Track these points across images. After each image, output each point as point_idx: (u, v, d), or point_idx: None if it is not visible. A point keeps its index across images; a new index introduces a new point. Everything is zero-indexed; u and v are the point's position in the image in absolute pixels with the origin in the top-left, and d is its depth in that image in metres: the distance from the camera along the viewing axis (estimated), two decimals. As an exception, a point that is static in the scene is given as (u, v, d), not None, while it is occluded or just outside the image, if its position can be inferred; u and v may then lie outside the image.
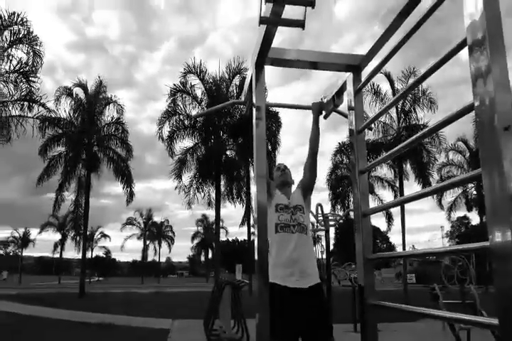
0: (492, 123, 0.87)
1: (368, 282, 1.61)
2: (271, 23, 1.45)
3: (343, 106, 2.19)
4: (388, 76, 20.05)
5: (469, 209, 27.20)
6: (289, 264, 2.91)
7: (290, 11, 1.41)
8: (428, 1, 1.22)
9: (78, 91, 21.32)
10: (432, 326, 8.22)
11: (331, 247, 7.33)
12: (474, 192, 25.71)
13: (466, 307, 6.01)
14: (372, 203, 22.00)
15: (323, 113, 2.57)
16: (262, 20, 1.43)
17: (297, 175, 3.54)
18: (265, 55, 1.76)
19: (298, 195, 3.24)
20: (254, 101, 1.86)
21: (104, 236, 60.13)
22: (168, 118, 19.33)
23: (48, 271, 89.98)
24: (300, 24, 1.42)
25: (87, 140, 20.88)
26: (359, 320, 1.73)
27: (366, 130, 1.84)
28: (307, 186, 3.28)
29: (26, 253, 65.77)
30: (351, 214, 2.80)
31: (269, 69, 1.94)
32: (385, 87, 20.39)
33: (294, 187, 3.34)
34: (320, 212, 6.76)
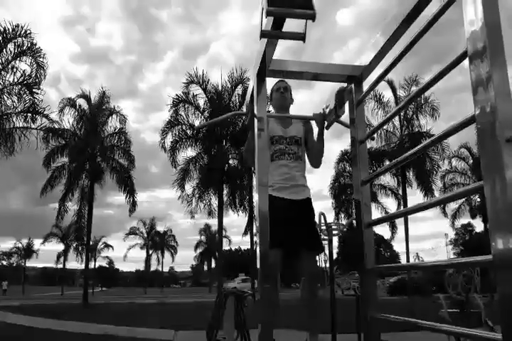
0: (493, 134, 0.87)
1: (371, 293, 1.60)
2: (272, 36, 1.47)
3: (344, 116, 2.19)
4: (391, 84, 20.09)
5: (473, 217, 27.05)
6: (283, 180, 2.99)
7: (291, 23, 1.42)
8: (430, 10, 1.22)
9: (81, 102, 21.46)
10: (437, 336, 8.13)
11: (334, 256, 7.28)
12: (478, 200, 25.58)
13: (472, 316, 5.95)
14: (376, 211, 21.95)
15: (325, 123, 2.57)
16: (263, 34, 1.44)
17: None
18: (266, 67, 1.77)
19: (298, 128, 3.14)
20: (255, 112, 1.87)
21: (107, 246, 59.95)
22: (171, 128, 19.40)
23: (51, 282, 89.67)
24: (301, 37, 1.43)
25: (90, 150, 20.95)
26: (362, 331, 1.72)
27: (369, 140, 1.84)
28: (310, 132, 3.20)
29: (29, 263, 65.62)
30: (354, 222, 2.80)
31: (271, 78, 1.96)
32: (387, 94, 20.44)
33: (295, 121, 3.20)
34: (323, 221, 6.73)
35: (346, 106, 1.98)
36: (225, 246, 59.58)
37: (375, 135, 16.16)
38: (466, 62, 1.05)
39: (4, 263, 68.30)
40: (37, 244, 68.09)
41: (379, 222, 1.69)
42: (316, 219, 6.82)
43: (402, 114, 19.61)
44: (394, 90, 20.22)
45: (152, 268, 67.89)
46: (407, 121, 20.29)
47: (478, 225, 50.75)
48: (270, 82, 1.94)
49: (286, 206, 2.92)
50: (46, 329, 9.62)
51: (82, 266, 24.64)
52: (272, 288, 2.75)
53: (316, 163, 3.18)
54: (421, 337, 8.09)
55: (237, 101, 19.93)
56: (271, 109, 3.54)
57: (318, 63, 1.97)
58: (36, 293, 46.34)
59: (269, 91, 3.16)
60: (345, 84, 1.95)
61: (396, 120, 20.13)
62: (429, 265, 1.24)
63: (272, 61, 1.75)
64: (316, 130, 2.98)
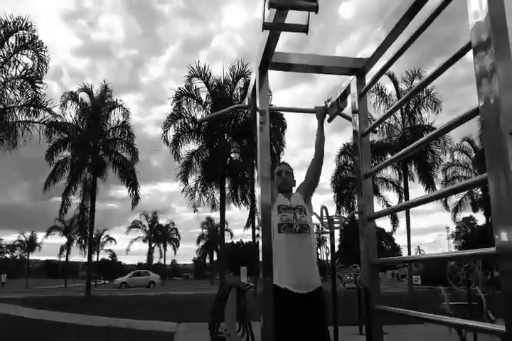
0: (498, 127, 0.86)
1: (373, 286, 1.60)
2: (274, 28, 1.46)
3: (347, 110, 2.18)
4: (392, 77, 20.00)
5: (475, 210, 27.07)
6: (291, 268, 2.93)
7: (293, 16, 1.41)
8: (433, 2, 1.21)
9: (84, 95, 21.45)
10: (439, 328, 8.17)
11: (336, 249, 7.30)
12: (480, 193, 25.57)
13: (473, 309, 5.98)
14: (377, 204, 21.96)
15: (327, 116, 2.56)
16: (266, 26, 1.43)
17: (299, 176, 3.52)
18: (268, 60, 1.76)
19: (298, 197, 3.26)
20: (257, 105, 1.86)
21: (110, 239, 60.20)
22: (173, 121, 19.40)
23: (54, 275, 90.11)
24: (303, 29, 1.42)
25: (92, 144, 20.96)
26: (364, 323, 1.73)
27: (371, 133, 1.83)
28: (307, 190, 3.30)
29: (33, 256, 65.97)
30: (356, 216, 2.80)
31: (273, 71, 1.95)
32: (389, 87, 20.37)
33: (294, 189, 3.35)
34: (324, 214, 6.74)
35: (349, 99, 1.98)
36: (227, 240, 59.79)
37: (377, 128, 16.13)
38: (468, 54, 1.05)
39: (8, 256, 68.63)
40: (40, 237, 68.45)
41: (381, 215, 1.69)
42: (318, 212, 6.85)
43: (404, 107, 19.56)
44: (396, 83, 20.15)
45: (154, 261, 68.17)
46: (408, 114, 20.24)
47: (480, 219, 50.82)
48: (273, 73, 1.93)
49: (296, 301, 2.88)
50: (50, 322, 9.69)
51: (85, 259, 24.73)
52: None
53: (318, 156, 3.19)
54: (422, 329, 8.14)
55: (239, 94, 19.91)
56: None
57: (320, 56, 1.96)
58: (39, 286, 46.58)
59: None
60: (347, 78, 1.94)
61: (398, 113, 20.08)
62: (432, 257, 1.24)
63: (274, 54, 1.75)
64: (316, 123, 2.98)
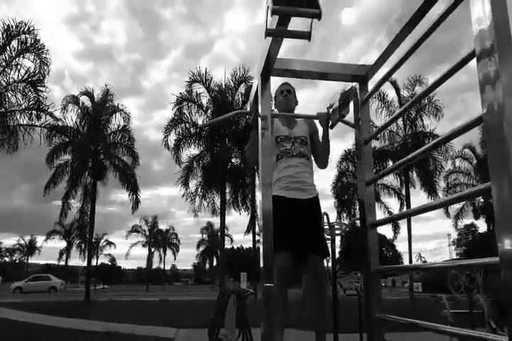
0: (502, 134, 0.86)
1: (375, 294, 1.59)
2: (277, 35, 1.46)
3: (349, 116, 2.18)
4: (394, 84, 20.04)
5: (476, 217, 27.00)
6: (289, 179, 2.94)
7: (296, 22, 1.41)
8: (436, 11, 1.21)
9: (85, 99, 21.47)
10: (441, 336, 8.12)
11: (337, 256, 7.26)
12: (482, 200, 25.51)
13: (474, 317, 5.94)
14: (379, 211, 21.93)
15: (330, 123, 2.55)
16: (269, 33, 1.43)
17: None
18: (271, 66, 1.76)
19: (303, 128, 3.10)
20: (259, 111, 1.86)
21: (110, 243, 60.18)
22: (174, 126, 19.43)
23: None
24: (306, 36, 1.42)
25: (93, 148, 20.97)
26: (365, 330, 1.72)
27: (373, 140, 1.83)
28: (315, 134, 3.15)
29: (32, 260, 65.91)
30: (357, 222, 2.78)
31: (275, 77, 1.95)
32: (391, 93, 20.41)
33: (299, 120, 3.17)
34: (325, 220, 6.72)
35: (351, 105, 1.98)
36: (227, 245, 59.70)
37: (380, 135, 16.15)
38: (471, 61, 1.04)
39: (7, 259, 68.54)
40: (40, 240, 68.36)
41: (383, 222, 1.68)
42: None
43: (405, 114, 19.59)
44: (397, 90, 20.18)
45: (154, 266, 68.04)
46: (410, 121, 20.26)
47: (482, 226, 50.68)
48: (274, 81, 1.93)
49: (293, 206, 2.87)
50: (49, 326, 9.65)
51: (85, 263, 24.70)
52: (283, 293, 2.74)
53: (323, 163, 3.13)
54: (423, 337, 8.08)
55: (240, 99, 19.95)
56: (274, 108, 3.50)
57: (322, 62, 1.96)
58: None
59: (273, 93, 3.14)
60: (349, 85, 1.94)
61: (399, 120, 20.09)
62: (435, 266, 1.23)
63: (276, 60, 1.74)
64: (320, 130, 2.95)
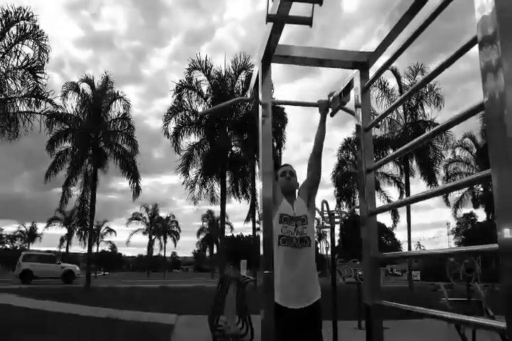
0: (502, 122, 0.85)
1: (374, 281, 1.60)
2: (278, 20, 1.44)
3: (350, 104, 2.17)
4: (395, 72, 19.95)
5: (476, 206, 27.10)
6: (289, 285, 2.94)
7: (297, 8, 1.40)
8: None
9: (85, 86, 21.39)
10: (438, 323, 8.20)
11: (336, 244, 7.30)
12: (481, 189, 25.57)
13: (472, 305, 5.99)
14: (378, 200, 21.98)
15: (330, 110, 2.54)
16: (270, 18, 1.42)
17: (301, 172, 3.49)
18: (272, 53, 1.75)
19: (301, 204, 3.19)
20: (260, 98, 1.85)
21: (110, 230, 60.52)
22: (174, 114, 19.38)
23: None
24: (307, 22, 1.40)
25: (93, 135, 20.94)
26: (363, 317, 1.73)
27: (373, 127, 1.82)
28: (311, 189, 3.24)
29: (33, 247, 66.18)
30: (357, 210, 2.78)
31: (275, 65, 1.93)
32: (392, 82, 20.33)
33: (297, 194, 3.28)
34: (325, 208, 6.74)
35: (352, 93, 1.96)
36: (227, 233, 59.98)
37: (380, 123, 16.12)
38: (473, 50, 1.04)
39: (8, 246, 68.90)
40: (40, 227, 68.64)
41: (382, 210, 1.68)
42: (319, 207, 6.86)
43: (406, 102, 19.52)
44: (398, 78, 20.09)
45: (154, 254, 68.47)
46: (411, 109, 20.20)
47: (481, 215, 50.86)
48: (276, 66, 1.92)
49: (293, 316, 2.91)
50: (50, 312, 9.74)
51: (85, 250, 24.83)
52: None
53: (317, 150, 3.15)
54: (422, 324, 8.17)
55: (241, 87, 19.87)
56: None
57: (323, 49, 1.95)
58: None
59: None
60: (350, 72, 1.93)
61: (400, 108, 20.04)
62: (434, 253, 1.24)
63: (277, 46, 1.73)
64: (317, 118, 2.96)
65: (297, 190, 3.30)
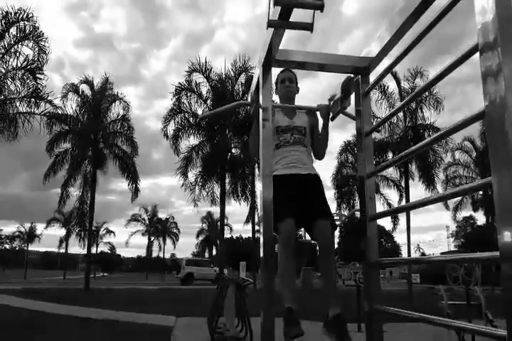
0: (503, 128, 0.85)
1: (374, 285, 1.60)
2: (279, 26, 1.45)
3: (350, 108, 2.17)
4: (395, 76, 19.94)
5: (475, 210, 27.06)
6: (288, 159, 2.93)
7: (298, 14, 1.40)
8: (441, 3, 1.20)
9: (85, 88, 21.40)
10: (438, 327, 8.18)
11: (336, 246, 7.29)
12: (480, 193, 25.56)
13: (472, 308, 5.98)
14: (378, 202, 21.95)
15: (330, 115, 2.54)
16: (270, 24, 1.42)
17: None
18: (272, 58, 1.75)
19: (303, 119, 3.08)
20: (260, 102, 1.85)
21: (109, 232, 60.36)
22: (173, 116, 19.37)
23: (53, 266, 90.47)
24: (308, 28, 1.41)
25: (93, 137, 20.94)
26: (363, 321, 1.73)
27: (374, 132, 1.82)
28: (315, 126, 3.12)
29: (32, 248, 66.13)
30: (357, 213, 2.77)
31: (276, 68, 1.94)
32: (391, 84, 20.31)
33: (300, 111, 3.14)
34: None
35: (352, 97, 1.97)
36: (227, 234, 59.94)
37: (380, 127, 16.13)
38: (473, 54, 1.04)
39: (7, 246, 68.81)
40: (40, 228, 68.57)
41: (383, 215, 1.68)
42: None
43: (407, 106, 19.50)
44: (398, 82, 20.08)
45: (154, 255, 68.32)
46: (410, 113, 20.20)
47: (480, 218, 50.82)
48: (275, 72, 1.92)
49: (294, 180, 2.84)
50: (49, 313, 9.72)
51: (84, 251, 24.82)
52: (290, 260, 2.68)
53: (320, 155, 3.13)
54: (421, 327, 8.15)
55: (241, 89, 19.87)
56: (276, 97, 3.46)
57: (324, 54, 1.95)
58: (38, 277, 46.75)
59: (274, 79, 3.10)
60: (351, 75, 1.93)
61: (400, 112, 20.02)
62: (434, 259, 1.24)
63: (278, 51, 1.73)
64: (320, 121, 2.94)
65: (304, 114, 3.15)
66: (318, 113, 2.79)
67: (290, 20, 1.41)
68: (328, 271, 2.81)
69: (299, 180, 2.87)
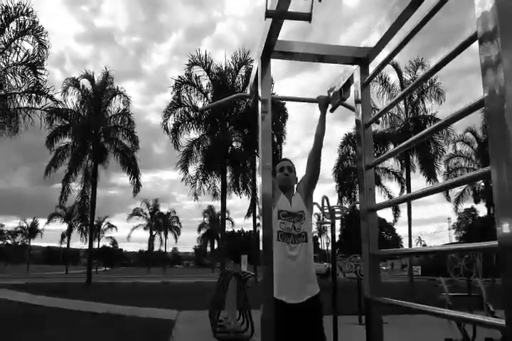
0: (503, 118, 0.85)
1: (374, 278, 1.60)
2: (277, 16, 1.43)
3: (350, 99, 2.16)
4: (396, 66, 19.86)
5: (477, 201, 27.04)
6: (287, 279, 2.93)
7: (297, 3, 1.39)
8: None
9: (85, 82, 21.38)
10: (439, 318, 8.21)
11: (337, 239, 7.29)
12: (482, 184, 25.53)
13: (473, 300, 5.99)
14: (379, 195, 21.98)
15: (330, 106, 2.53)
16: (268, 14, 1.41)
17: (301, 167, 3.48)
18: (271, 48, 1.74)
19: (299, 200, 3.18)
20: (259, 94, 1.84)
21: (111, 226, 60.53)
22: (173, 110, 19.32)
23: (55, 261, 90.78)
24: (307, 17, 1.39)
25: (93, 131, 20.93)
26: (364, 313, 1.74)
27: (374, 123, 1.81)
28: (309, 184, 3.23)
29: (34, 243, 66.35)
30: (357, 206, 2.77)
31: (275, 59, 1.92)
32: (392, 76, 20.25)
33: (295, 189, 3.28)
34: (326, 204, 6.74)
35: (352, 88, 1.96)
36: (228, 228, 60.06)
37: (380, 118, 16.11)
38: (475, 43, 1.03)
39: (9, 242, 69.06)
40: (41, 223, 68.74)
41: (383, 206, 1.68)
42: (319, 203, 6.85)
43: (407, 97, 19.44)
44: (399, 73, 20.01)
45: (155, 249, 68.57)
46: (412, 104, 20.14)
47: (482, 210, 50.87)
48: (275, 61, 1.91)
49: (292, 311, 2.89)
50: (52, 308, 9.77)
51: (86, 246, 24.89)
52: None
53: (317, 147, 3.14)
54: (422, 318, 8.18)
55: (241, 82, 19.81)
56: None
57: (323, 44, 1.94)
58: (41, 272, 46.94)
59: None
60: (350, 67, 1.92)
61: (401, 103, 19.96)
62: (434, 250, 1.24)
63: (276, 42, 1.72)
64: (318, 113, 2.94)
65: (295, 185, 3.29)
66: (316, 105, 2.78)
67: (288, 10, 1.40)
68: None
69: (296, 312, 2.91)
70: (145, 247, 74.06)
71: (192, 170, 19.99)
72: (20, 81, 16.41)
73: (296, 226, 3.06)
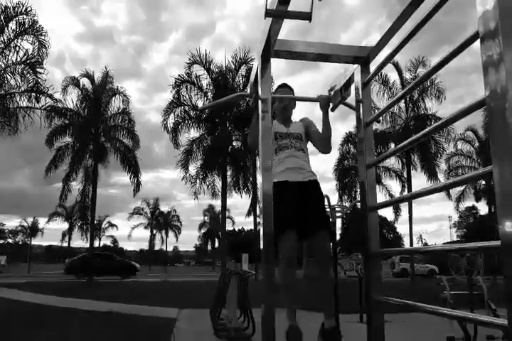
0: (504, 117, 0.84)
1: (375, 276, 1.60)
2: (277, 15, 1.43)
3: (350, 98, 2.16)
4: (396, 65, 19.84)
5: (478, 200, 27.02)
6: (287, 165, 3.04)
7: (297, 3, 1.39)
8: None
9: (85, 81, 21.36)
10: (440, 317, 8.20)
11: (338, 238, 7.30)
12: (483, 183, 25.51)
13: (474, 298, 5.99)
14: (380, 194, 21.98)
15: (331, 105, 2.52)
16: (268, 13, 1.40)
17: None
18: (271, 48, 1.74)
19: (299, 126, 3.23)
20: (260, 93, 1.84)
21: (112, 225, 60.58)
22: (173, 109, 19.31)
23: (56, 260, 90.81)
24: (307, 17, 1.39)
25: (94, 130, 20.92)
26: (364, 311, 1.74)
27: (374, 122, 1.81)
28: (310, 135, 3.25)
29: (35, 242, 66.44)
30: (358, 204, 2.78)
31: (275, 58, 1.92)
32: (393, 75, 20.22)
33: (295, 118, 3.33)
34: (327, 203, 6.73)
35: (352, 87, 1.95)
36: (229, 227, 60.07)
37: (381, 117, 16.10)
38: (476, 43, 1.02)
39: (10, 241, 69.14)
40: (42, 222, 68.75)
41: (384, 205, 1.68)
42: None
43: (408, 96, 19.43)
44: (400, 72, 19.99)
45: (156, 248, 68.57)
46: (412, 103, 20.12)
47: (483, 208, 50.83)
48: (276, 59, 1.91)
49: (294, 188, 2.93)
50: (52, 307, 9.77)
51: (87, 245, 24.93)
52: (291, 271, 2.77)
53: (326, 147, 3.14)
54: (423, 317, 8.18)
55: (241, 81, 19.79)
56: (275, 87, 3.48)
57: (324, 43, 1.94)
58: (41, 271, 46.95)
59: (276, 80, 3.17)
60: (351, 66, 1.92)
61: (401, 102, 19.95)
62: (435, 249, 1.24)
63: (276, 41, 1.72)
64: (320, 114, 2.94)
65: (303, 122, 3.32)
66: (317, 105, 2.78)
67: (288, 9, 1.39)
68: (324, 282, 2.90)
69: (299, 188, 2.97)
70: (146, 246, 74.19)
71: (192, 169, 20.01)
72: (19, 80, 16.43)
73: (293, 142, 3.10)
